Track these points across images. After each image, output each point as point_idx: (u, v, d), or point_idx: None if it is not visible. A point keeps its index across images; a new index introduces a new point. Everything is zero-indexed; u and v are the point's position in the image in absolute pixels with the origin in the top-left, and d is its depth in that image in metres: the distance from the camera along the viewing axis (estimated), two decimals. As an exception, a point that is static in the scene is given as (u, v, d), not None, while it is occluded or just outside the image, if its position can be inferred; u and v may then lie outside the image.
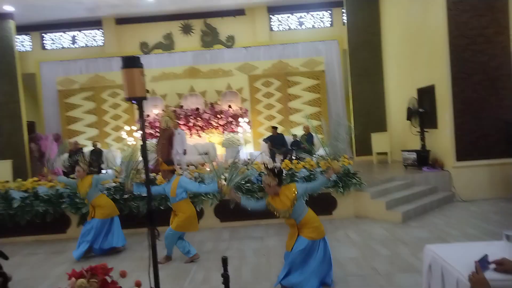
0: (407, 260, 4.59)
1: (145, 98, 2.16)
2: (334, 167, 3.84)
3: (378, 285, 3.94)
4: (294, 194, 3.71)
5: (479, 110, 7.40)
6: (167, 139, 8.82)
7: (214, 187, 4.54)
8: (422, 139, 8.21)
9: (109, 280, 1.72)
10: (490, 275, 1.88)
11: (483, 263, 1.92)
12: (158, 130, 9.62)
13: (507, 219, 5.96)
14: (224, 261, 2.33)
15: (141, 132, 2.17)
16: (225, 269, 2.32)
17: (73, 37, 13.73)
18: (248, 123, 12.12)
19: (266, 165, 3.95)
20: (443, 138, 7.78)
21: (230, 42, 13.24)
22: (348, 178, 6.82)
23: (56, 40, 13.73)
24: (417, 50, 8.72)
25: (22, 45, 13.58)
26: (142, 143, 2.19)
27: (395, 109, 10.35)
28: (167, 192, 5.04)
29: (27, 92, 13.01)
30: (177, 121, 10.64)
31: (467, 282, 1.88)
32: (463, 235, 5.37)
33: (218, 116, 11.95)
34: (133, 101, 2.15)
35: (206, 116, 11.87)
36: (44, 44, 13.70)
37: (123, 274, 2.02)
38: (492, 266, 1.96)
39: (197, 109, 12.06)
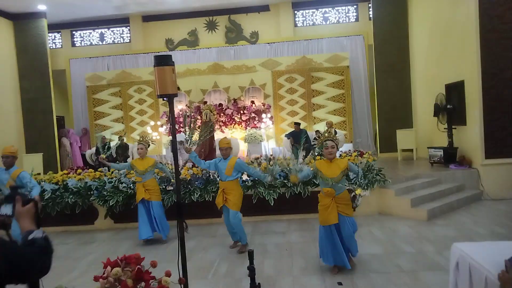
0: (432, 258, 4.52)
1: (176, 95, 2.23)
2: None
3: (402, 282, 3.91)
4: (346, 166, 4.10)
5: (510, 107, 7.15)
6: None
7: (265, 177, 4.96)
8: (450, 136, 8.02)
9: (143, 269, 1.80)
10: (520, 274, 1.85)
11: (512, 262, 1.90)
12: (200, 124, 10.11)
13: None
14: (250, 254, 2.38)
15: (171, 127, 2.24)
16: (251, 262, 2.37)
17: (101, 34, 14.10)
18: (271, 118, 12.13)
19: (328, 131, 4.33)
20: (471, 135, 7.58)
21: (254, 38, 13.26)
22: (372, 174, 6.75)
23: (85, 37, 14.13)
24: (446, 44, 8.49)
25: (53, 42, 14.06)
26: (172, 138, 2.26)
27: (422, 105, 10.13)
28: (220, 169, 5.14)
29: (57, 88, 13.47)
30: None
31: (496, 281, 1.86)
32: (491, 234, 5.24)
33: (241, 111, 12.02)
34: (164, 98, 2.22)
35: (229, 111, 11.95)
36: (74, 42, 14.13)
37: (153, 264, 2.10)
38: (522, 265, 1.93)
39: (221, 104, 12.17)
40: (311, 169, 4.21)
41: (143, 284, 1.74)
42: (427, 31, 9.63)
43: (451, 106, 8.03)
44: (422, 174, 7.62)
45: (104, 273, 1.78)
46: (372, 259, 4.58)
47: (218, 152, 9.15)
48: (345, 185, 4.26)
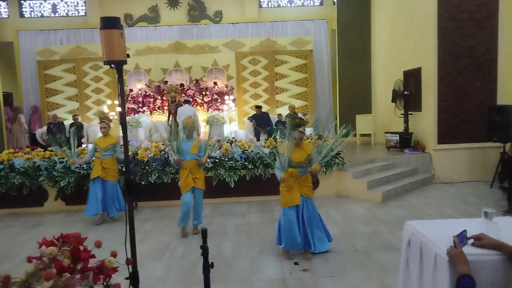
0: (386, 238, 4.66)
1: (125, 62, 2.05)
2: (315, 168, 4.08)
3: (357, 261, 3.99)
4: (311, 152, 4.13)
5: (463, 94, 7.47)
6: (176, 110, 9.83)
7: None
8: (406, 121, 8.28)
9: (81, 248, 1.65)
10: (467, 249, 1.89)
11: (461, 238, 1.94)
12: (166, 103, 10.50)
13: (484, 201, 6.11)
14: (204, 233, 2.29)
15: (120, 98, 2.06)
16: (205, 241, 2.28)
17: (54, 5, 13.17)
18: (234, 101, 11.97)
19: (298, 119, 4.16)
20: (426, 121, 7.86)
21: (217, 17, 12.93)
22: (331, 157, 6.83)
23: (35, 8, 13.14)
24: (406, 32, 8.67)
25: (-2, 11, 12.96)
26: (121, 109, 2.09)
27: (381, 91, 10.37)
28: (185, 149, 4.93)
29: (3, 61, 12.50)
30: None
31: (445, 256, 1.89)
32: (441, 215, 5.49)
33: (203, 93, 11.76)
34: (111, 65, 2.03)
35: (190, 92, 11.65)
36: (23, 12, 13.11)
37: (98, 244, 1.95)
38: (470, 241, 1.98)
39: (182, 85, 11.82)
40: (282, 152, 4.07)
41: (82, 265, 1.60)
42: (389, 18, 9.80)
43: (408, 92, 8.27)
44: (379, 158, 7.84)
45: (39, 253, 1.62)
46: (328, 239, 4.64)
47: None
48: (307, 168, 4.18)
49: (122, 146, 5.71)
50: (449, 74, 7.43)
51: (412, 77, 8.36)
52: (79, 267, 1.64)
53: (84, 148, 8.25)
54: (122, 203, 5.81)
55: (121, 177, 6.28)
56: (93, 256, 1.67)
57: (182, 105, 9.72)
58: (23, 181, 6.52)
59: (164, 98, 11.59)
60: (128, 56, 2.08)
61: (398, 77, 8.77)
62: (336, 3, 11.43)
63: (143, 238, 5.02)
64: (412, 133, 8.27)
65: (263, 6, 13.20)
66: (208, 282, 2.36)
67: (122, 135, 2.19)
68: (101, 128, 5.72)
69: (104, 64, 2.02)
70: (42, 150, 7.07)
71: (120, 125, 2.16)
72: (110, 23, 1.93)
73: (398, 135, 8.31)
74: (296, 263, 4.00)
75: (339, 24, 11.16)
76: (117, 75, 2.03)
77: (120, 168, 6.51)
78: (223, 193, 6.66)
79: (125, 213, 2.26)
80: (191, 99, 10.79)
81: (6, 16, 12.99)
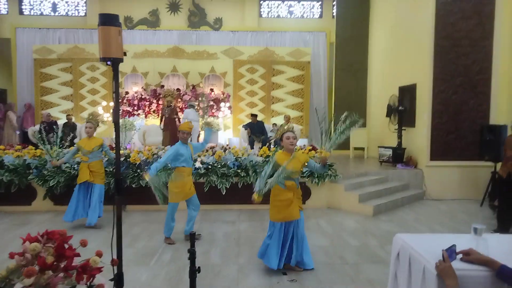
0: (375, 251, 4.65)
1: (121, 60, 2.04)
2: (325, 155, 3.88)
3: (345, 273, 3.97)
4: (306, 160, 4.00)
5: (457, 112, 7.54)
6: (174, 115, 9.98)
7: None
8: (399, 136, 8.33)
9: (66, 246, 1.62)
10: (456, 264, 1.89)
11: (450, 252, 1.93)
12: (161, 108, 10.52)
13: (473, 219, 6.12)
14: (192, 237, 2.26)
15: (114, 96, 2.05)
16: (192, 245, 2.25)
17: (54, 4, 13.15)
18: (229, 108, 11.98)
19: (287, 124, 4.12)
20: (419, 137, 7.91)
21: (217, 24, 13.00)
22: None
23: (35, 5, 13.11)
24: (403, 48, 8.78)
25: (-2, 7, 12.92)
26: (114, 108, 2.07)
27: (376, 105, 10.44)
28: (187, 155, 4.78)
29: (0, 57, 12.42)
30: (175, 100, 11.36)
31: (433, 270, 1.88)
32: (430, 231, 5.49)
33: (199, 98, 11.75)
34: (108, 62, 2.02)
35: (187, 97, 11.64)
36: (22, 9, 13.08)
37: (83, 243, 1.92)
38: (459, 256, 1.98)
39: (179, 90, 11.81)
40: (271, 164, 3.83)
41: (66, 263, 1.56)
42: (386, 34, 9.92)
43: (402, 108, 8.33)
44: (371, 171, 7.86)
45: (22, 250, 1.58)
46: (318, 250, 4.62)
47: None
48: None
49: (108, 148, 5.72)
50: (443, 91, 7.51)
51: (407, 93, 8.44)
52: (62, 265, 1.60)
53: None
54: (100, 207, 5.65)
55: (111, 180, 6.22)
56: (78, 255, 1.64)
57: (188, 108, 10.03)
58: (11, 178, 6.43)
59: (160, 102, 11.57)
60: (124, 54, 2.07)
61: (394, 92, 8.85)
62: (335, 16, 11.56)
63: (131, 242, 4.95)
64: (405, 148, 8.31)
65: (263, 15, 13.31)
66: (194, 286, 2.33)
67: (114, 133, 2.16)
68: (86, 127, 5.56)
69: (100, 60, 2.00)
70: (33, 148, 6.99)
71: (113, 123, 2.13)
72: (108, 20, 1.93)
73: (391, 150, 8.35)
74: (284, 273, 3.96)
75: (338, 37, 11.27)
76: (113, 73, 2.02)
77: (108, 170, 6.44)
78: (214, 199, 6.61)
79: (113, 212, 2.22)
80: (196, 104, 10.81)
81: (5, 12, 12.95)
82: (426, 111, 7.59)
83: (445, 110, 7.53)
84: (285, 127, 4.12)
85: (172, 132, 9.57)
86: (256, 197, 3.74)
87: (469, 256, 1.94)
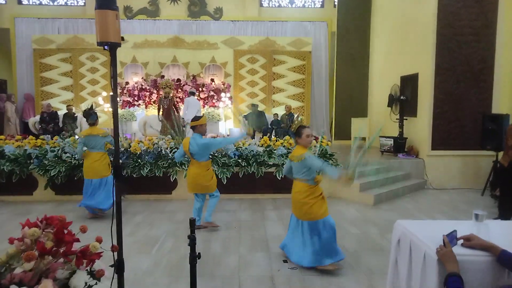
0: (375, 240, 4.66)
1: (119, 44, 2.01)
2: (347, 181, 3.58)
3: (345, 262, 3.97)
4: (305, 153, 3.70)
5: (458, 101, 7.49)
6: (172, 106, 9.75)
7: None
8: (401, 126, 8.29)
9: (65, 231, 1.61)
10: (457, 249, 1.88)
11: (451, 238, 1.93)
12: (159, 98, 10.30)
13: (474, 208, 6.09)
14: (192, 223, 2.26)
15: (112, 81, 2.02)
16: (192, 231, 2.24)
17: (53, -7, 13.04)
18: (230, 98, 11.94)
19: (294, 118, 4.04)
20: (420, 127, 7.88)
21: (217, 14, 12.89)
22: (324, 159, 6.83)
23: (33, -5, 13.00)
24: (405, 37, 8.69)
25: (-4, -3, 12.83)
26: (112, 93, 2.05)
27: (378, 95, 10.39)
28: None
29: (-1, 48, 12.37)
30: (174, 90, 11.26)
31: (434, 255, 1.88)
32: (431, 219, 5.49)
33: (200, 89, 11.71)
34: (105, 47, 1.99)
35: (187, 88, 11.59)
36: (21, -1, 12.97)
37: (83, 229, 1.91)
38: (460, 241, 1.97)
39: (179, 80, 11.76)
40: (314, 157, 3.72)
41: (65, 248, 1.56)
42: (388, 23, 9.82)
43: (404, 98, 8.28)
44: (372, 161, 7.84)
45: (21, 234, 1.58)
46: (318, 239, 4.62)
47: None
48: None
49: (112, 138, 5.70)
50: (445, 81, 7.45)
51: (409, 83, 8.38)
52: (62, 251, 1.60)
53: (77, 138, 8.16)
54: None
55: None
56: (77, 240, 1.64)
57: (188, 96, 9.95)
58: (12, 168, 6.44)
59: (160, 93, 11.53)
60: (122, 39, 2.04)
61: (395, 82, 8.79)
62: (336, 6, 11.44)
63: (132, 230, 4.97)
64: (407, 138, 8.28)
65: (263, 5, 13.19)
66: (194, 272, 2.33)
67: (113, 121, 2.14)
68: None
69: (98, 45, 1.98)
70: (34, 138, 6.99)
71: (111, 110, 2.11)
72: (105, 3, 1.89)
73: (392, 140, 8.32)
74: (285, 261, 3.97)
75: (339, 27, 11.17)
76: (110, 58, 1.99)
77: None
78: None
79: (113, 198, 2.21)
80: (196, 91, 10.73)
81: (4, 2, 12.84)
82: (428, 101, 7.55)
83: (447, 100, 7.48)
84: (298, 120, 4.03)
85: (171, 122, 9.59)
86: (349, 176, 3.50)
87: (470, 242, 1.94)
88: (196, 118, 4.82)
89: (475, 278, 1.81)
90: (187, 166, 5.74)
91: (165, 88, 10.40)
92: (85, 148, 5.52)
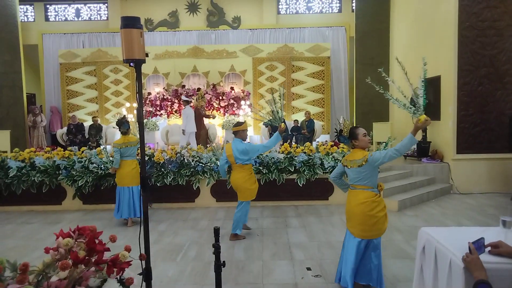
0: (400, 246, 4.59)
1: (143, 61, 2.10)
2: (421, 119, 3.18)
3: (370, 269, 3.93)
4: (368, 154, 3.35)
5: (483, 103, 7.32)
6: (200, 116, 10.08)
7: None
8: (424, 130, 8.14)
9: (96, 241, 1.69)
10: (484, 257, 1.85)
11: (479, 245, 1.90)
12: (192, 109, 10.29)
13: (503, 212, 5.94)
14: (216, 232, 2.31)
15: (138, 96, 2.11)
16: (217, 240, 2.29)
17: (77, 10, 13.54)
18: (250, 106, 12.02)
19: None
20: (445, 130, 7.72)
21: (236, 23, 13.05)
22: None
23: (59, 12, 13.54)
24: (426, 39, 8.57)
25: (25, 15, 13.41)
26: (138, 107, 2.13)
27: (399, 98, 10.22)
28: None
29: (28, 63, 12.90)
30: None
31: (460, 263, 1.86)
32: (458, 225, 5.36)
33: (220, 97, 11.85)
34: (130, 64, 2.09)
35: (207, 97, 11.76)
36: (48, 16, 13.52)
37: (112, 239, 1.99)
38: (488, 249, 1.94)
39: (199, 89, 11.94)
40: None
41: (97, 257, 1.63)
42: (408, 26, 9.71)
43: (427, 101, 8.13)
44: (396, 166, 7.73)
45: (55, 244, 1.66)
46: (341, 245, 4.58)
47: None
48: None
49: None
50: (468, 83, 7.30)
51: (431, 85, 8.24)
52: (93, 260, 1.67)
53: (102, 148, 8.41)
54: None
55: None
56: (108, 249, 1.71)
57: (183, 105, 10.04)
58: (42, 179, 6.69)
59: (181, 102, 11.72)
60: (146, 55, 2.13)
61: (417, 85, 8.64)
62: (354, 10, 11.40)
63: (157, 238, 5.07)
64: (430, 142, 8.13)
65: (281, 12, 13.28)
66: (219, 280, 2.37)
67: (138, 134, 2.23)
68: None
69: (124, 62, 2.07)
70: (62, 149, 7.24)
71: (137, 123, 2.20)
72: (130, 23, 1.99)
73: (416, 144, 8.17)
74: (308, 269, 3.97)
75: (358, 31, 11.10)
76: (135, 74, 2.08)
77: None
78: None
79: (140, 209, 2.29)
80: (191, 100, 10.61)
81: (32, 20, 13.43)
82: (451, 104, 7.40)
83: (471, 102, 7.32)
84: (346, 122, 3.92)
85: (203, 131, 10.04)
86: (423, 118, 3.15)
87: (498, 249, 1.90)
88: (238, 124, 4.92)
89: (503, 287, 1.77)
90: (216, 175, 5.91)
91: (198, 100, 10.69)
92: None
